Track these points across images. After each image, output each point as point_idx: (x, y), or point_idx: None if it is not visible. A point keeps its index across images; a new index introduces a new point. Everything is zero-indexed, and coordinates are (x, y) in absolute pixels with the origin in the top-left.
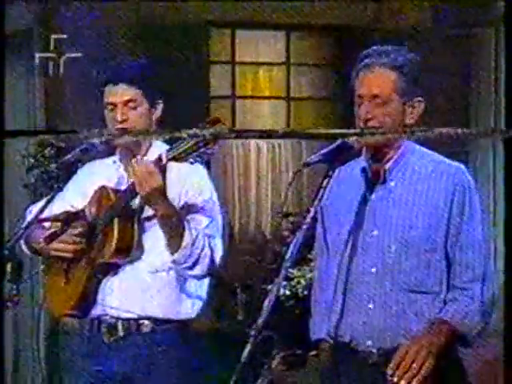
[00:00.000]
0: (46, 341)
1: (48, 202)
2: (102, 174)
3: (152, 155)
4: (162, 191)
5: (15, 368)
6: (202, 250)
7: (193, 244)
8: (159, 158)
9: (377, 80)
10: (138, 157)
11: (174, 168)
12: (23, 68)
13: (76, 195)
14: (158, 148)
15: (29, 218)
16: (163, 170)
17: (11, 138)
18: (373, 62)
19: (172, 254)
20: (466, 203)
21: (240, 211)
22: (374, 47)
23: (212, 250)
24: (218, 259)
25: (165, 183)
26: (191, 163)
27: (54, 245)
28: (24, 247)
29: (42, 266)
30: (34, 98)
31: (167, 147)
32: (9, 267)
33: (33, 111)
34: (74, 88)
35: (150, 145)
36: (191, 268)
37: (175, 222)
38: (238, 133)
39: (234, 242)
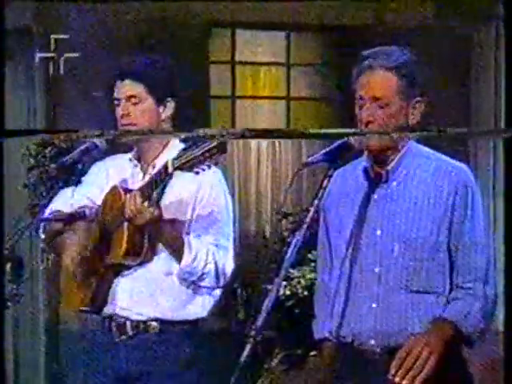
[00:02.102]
0: (45, 341)
1: (51, 197)
2: (117, 170)
3: (165, 158)
4: (154, 224)
5: (15, 368)
6: (205, 266)
7: (193, 262)
8: (165, 167)
9: (378, 82)
10: (132, 192)
11: (185, 173)
12: (23, 68)
13: (93, 188)
14: (175, 148)
15: (50, 207)
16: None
17: (11, 138)
18: (374, 63)
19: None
20: (468, 203)
21: (240, 211)
22: (375, 48)
23: (217, 264)
24: (227, 269)
25: (160, 213)
26: (196, 173)
27: (65, 251)
28: (41, 234)
29: (42, 266)
30: (34, 98)
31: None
32: (9, 267)
33: (33, 111)
34: (73, 88)
35: (166, 144)
36: (197, 282)
37: (173, 243)
38: (247, 133)
39: (234, 242)
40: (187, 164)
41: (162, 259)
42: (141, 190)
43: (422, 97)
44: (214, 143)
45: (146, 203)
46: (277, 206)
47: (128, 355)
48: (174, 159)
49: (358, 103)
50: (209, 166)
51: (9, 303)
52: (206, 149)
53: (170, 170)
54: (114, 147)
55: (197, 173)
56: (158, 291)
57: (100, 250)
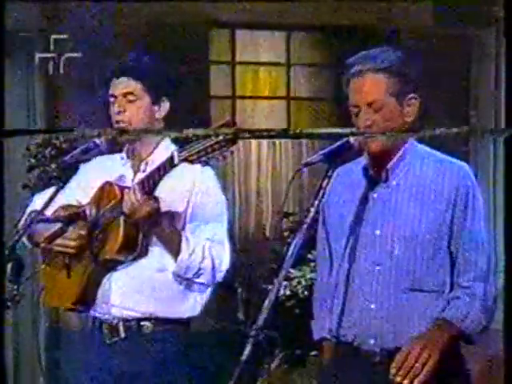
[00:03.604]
0: (45, 341)
1: (52, 197)
2: (108, 170)
3: (159, 155)
4: (153, 217)
5: (15, 368)
6: (202, 261)
7: (189, 257)
8: (171, 158)
9: (369, 87)
10: (131, 186)
11: (180, 167)
12: (23, 68)
13: (81, 189)
14: (166, 148)
15: (30, 208)
16: (156, 183)
17: (11, 138)
18: (362, 68)
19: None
20: (469, 202)
21: (240, 211)
22: (359, 53)
23: (214, 260)
24: (223, 265)
25: (159, 206)
26: (204, 164)
27: (58, 240)
28: (26, 241)
29: (42, 266)
30: (34, 97)
31: (175, 147)
32: (9, 267)
33: (33, 111)
34: (73, 88)
35: (159, 143)
36: (194, 278)
37: (170, 237)
38: (243, 133)
39: (234, 241)
40: (194, 156)
41: (155, 255)
42: (140, 184)
43: (416, 93)
44: (222, 136)
45: (144, 196)
46: (277, 206)
47: (124, 355)
48: (180, 151)
49: (352, 111)
50: (219, 157)
51: (9, 303)
52: (215, 141)
53: (176, 161)
54: (114, 146)
55: (205, 164)
56: (150, 288)
57: (90, 246)
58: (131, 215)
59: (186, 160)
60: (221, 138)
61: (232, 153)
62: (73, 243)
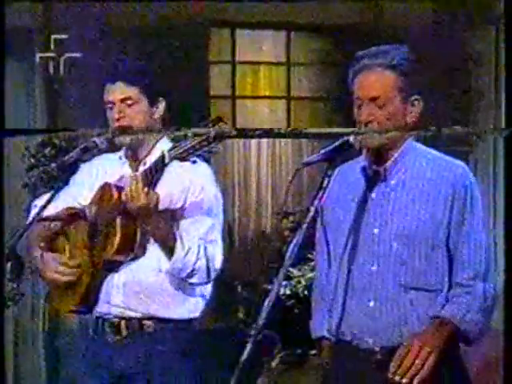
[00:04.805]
0: (45, 340)
1: (51, 197)
2: (107, 170)
3: (156, 154)
4: (151, 209)
5: (15, 368)
6: (196, 262)
7: (184, 257)
8: (162, 157)
9: (375, 81)
10: (134, 173)
11: (177, 165)
12: (23, 68)
13: (81, 190)
14: (163, 147)
15: (33, 212)
16: (155, 179)
17: (11, 137)
18: (370, 63)
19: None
20: (467, 201)
21: (240, 211)
22: (370, 48)
23: (208, 259)
24: (217, 265)
25: (158, 201)
26: (193, 162)
27: (48, 274)
28: (25, 241)
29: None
30: (34, 98)
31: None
32: (9, 266)
33: (33, 111)
34: (73, 88)
35: (155, 143)
36: (187, 278)
37: (165, 237)
38: (241, 132)
39: (234, 241)
40: (184, 154)
41: (155, 256)
42: (142, 175)
43: (420, 95)
44: (210, 133)
45: (145, 189)
46: (277, 206)
47: (125, 354)
48: (170, 150)
49: (356, 104)
50: (208, 153)
51: (9, 302)
52: (202, 138)
53: (167, 160)
54: (114, 146)
55: (194, 162)
56: (151, 288)
57: (89, 247)
58: (130, 203)
59: (176, 158)
60: (208, 134)
61: (217, 151)
62: (64, 278)
